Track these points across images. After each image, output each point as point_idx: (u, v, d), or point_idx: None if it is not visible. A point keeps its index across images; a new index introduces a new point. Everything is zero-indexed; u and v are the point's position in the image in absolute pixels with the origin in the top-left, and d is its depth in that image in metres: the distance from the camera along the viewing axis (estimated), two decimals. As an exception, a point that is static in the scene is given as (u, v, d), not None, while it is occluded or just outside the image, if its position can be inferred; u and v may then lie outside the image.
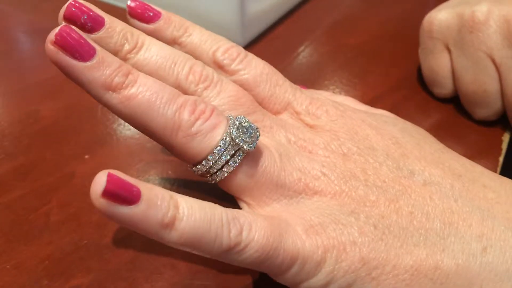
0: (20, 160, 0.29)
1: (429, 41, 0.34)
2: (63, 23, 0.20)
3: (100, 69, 0.19)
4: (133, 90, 0.19)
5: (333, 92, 0.34)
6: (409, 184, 0.21)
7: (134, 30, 0.22)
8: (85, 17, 0.21)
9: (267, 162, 0.20)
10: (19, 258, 0.24)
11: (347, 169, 0.21)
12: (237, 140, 0.19)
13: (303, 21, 0.44)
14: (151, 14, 0.24)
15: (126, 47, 0.21)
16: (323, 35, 0.43)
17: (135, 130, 0.22)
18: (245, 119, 0.20)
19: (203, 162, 0.20)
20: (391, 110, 0.35)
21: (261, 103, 0.24)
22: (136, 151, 0.30)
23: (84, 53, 0.19)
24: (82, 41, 0.19)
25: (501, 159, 0.31)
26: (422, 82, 0.36)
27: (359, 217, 0.20)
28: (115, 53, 0.21)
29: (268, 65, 0.24)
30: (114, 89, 0.19)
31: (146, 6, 0.24)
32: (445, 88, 0.34)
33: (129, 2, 0.24)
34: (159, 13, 0.24)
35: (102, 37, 0.21)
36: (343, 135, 0.22)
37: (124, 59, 0.21)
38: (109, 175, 0.16)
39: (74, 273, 0.23)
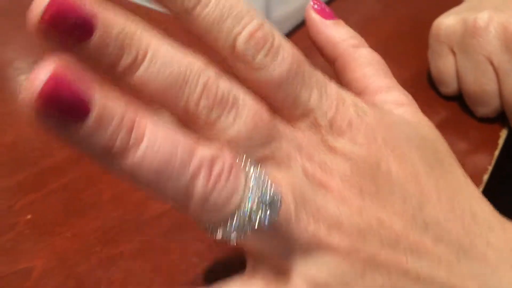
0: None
1: (436, 44, 0.37)
2: (49, 59, 0.15)
3: (98, 130, 0.15)
4: (139, 155, 0.16)
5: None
6: (421, 242, 0.21)
7: (135, 29, 0.17)
8: (72, 19, 0.15)
9: (282, 224, 0.19)
10: (76, 229, 0.29)
11: (363, 219, 0.20)
12: (254, 219, 0.18)
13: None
14: None
15: (125, 60, 0.17)
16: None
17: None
18: (268, 190, 0.18)
19: (214, 230, 0.18)
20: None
21: (280, 108, 0.21)
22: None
23: (78, 112, 0.15)
24: (78, 95, 0.15)
25: (496, 152, 0.34)
26: (430, 81, 0.40)
27: (366, 277, 0.20)
28: (112, 66, 0.17)
29: (297, 54, 0.20)
30: (116, 155, 0.16)
31: None
32: (450, 87, 0.37)
33: None
34: None
35: (94, 49, 0.16)
36: (364, 168, 0.21)
37: (120, 77, 0.17)
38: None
39: (119, 242, 0.28)
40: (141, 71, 0.17)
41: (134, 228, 0.29)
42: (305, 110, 0.21)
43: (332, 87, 0.22)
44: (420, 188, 0.21)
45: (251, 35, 0.19)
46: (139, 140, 0.16)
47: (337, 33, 0.25)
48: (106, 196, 0.31)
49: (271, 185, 0.18)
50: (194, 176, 0.17)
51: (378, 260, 0.20)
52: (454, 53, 0.36)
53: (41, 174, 0.32)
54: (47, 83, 0.14)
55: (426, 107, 0.39)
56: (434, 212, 0.21)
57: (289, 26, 0.46)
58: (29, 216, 0.30)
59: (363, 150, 0.21)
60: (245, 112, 0.19)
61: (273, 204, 0.18)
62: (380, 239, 0.20)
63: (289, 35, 0.46)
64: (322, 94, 0.21)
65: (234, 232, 0.18)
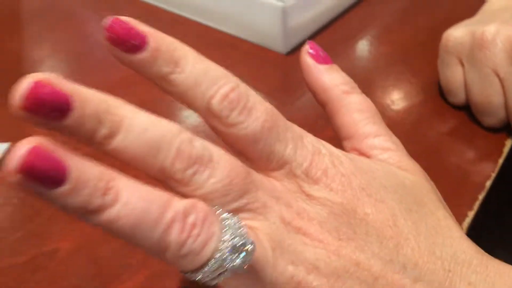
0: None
1: (445, 55, 0.39)
2: (31, 139, 0.16)
3: (75, 193, 0.16)
4: (114, 213, 0.17)
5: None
6: (400, 282, 0.21)
7: (111, 104, 0.18)
8: (49, 103, 0.17)
9: (259, 267, 0.19)
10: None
11: (341, 263, 0.21)
12: (227, 264, 0.18)
13: (341, 32, 0.50)
14: (135, 43, 0.20)
15: (101, 132, 0.18)
16: (359, 44, 0.49)
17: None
18: (239, 237, 0.19)
19: (192, 275, 0.19)
20: (410, 113, 0.40)
21: (256, 161, 0.22)
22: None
23: (55, 179, 0.16)
24: (54, 164, 0.16)
25: (500, 160, 0.36)
26: (441, 90, 0.41)
27: None
28: (89, 138, 0.18)
29: (271, 113, 0.22)
30: (92, 212, 0.17)
31: (129, 29, 0.20)
32: (458, 97, 0.39)
33: (106, 21, 0.19)
34: (144, 38, 0.20)
35: (72, 125, 0.17)
36: (340, 214, 0.21)
37: (99, 146, 0.18)
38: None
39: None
40: (117, 140, 0.18)
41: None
42: (280, 162, 0.22)
43: (308, 139, 0.22)
44: (398, 231, 0.22)
45: (225, 97, 0.21)
46: (114, 201, 0.17)
47: (328, 79, 0.25)
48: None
49: (245, 232, 0.19)
50: (168, 228, 0.18)
51: None
52: (462, 64, 0.38)
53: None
54: (24, 160, 0.16)
55: (435, 115, 0.41)
56: (412, 254, 0.22)
57: (307, 31, 0.48)
58: (56, 203, 0.32)
59: (338, 196, 0.22)
60: (220, 169, 0.20)
61: (247, 249, 0.19)
62: (358, 281, 0.21)
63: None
64: (298, 147, 0.22)
65: (210, 277, 0.19)
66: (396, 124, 0.39)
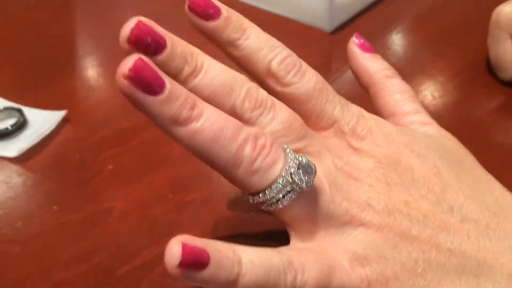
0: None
1: (496, 31, 0.38)
2: (133, 54, 0.19)
3: (169, 103, 0.20)
4: (199, 125, 0.20)
5: (405, 74, 0.40)
6: (448, 220, 0.22)
7: (193, 49, 0.22)
8: (149, 40, 0.21)
9: (319, 195, 0.21)
10: (152, 178, 0.33)
11: (391, 201, 0.22)
12: (296, 180, 0.20)
13: (387, 12, 0.50)
14: (212, 12, 0.23)
15: (186, 70, 0.21)
16: (405, 25, 0.48)
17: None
18: (304, 158, 0.21)
19: (260, 195, 0.21)
20: (457, 90, 0.40)
21: (308, 118, 0.24)
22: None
23: (155, 87, 0.19)
24: (155, 76, 0.19)
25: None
26: (489, 67, 0.41)
27: (401, 252, 0.21)
28: (175, 76, 0.21)
29: (320, 78, 0.24)
30: (180, 123, 0.20)
31: (208, 1, 0.23)
32: (508, 72, 0.38)
33: None
34: (219, 10, 0.23)
35: (164, 61, 0.21)
36: (387, 163, 0.23)
37: (183, 83, 0.21)
38: (183, 246, 0.18)
39: (191, 190, 0.32)
40: (198, 79, 0.22)
41: (203, 179, 0.32)
42: (329, 121, 0.24)
43: (353, 106, 0.25)
44: (441, 178, 0.23)
45: (283, 60, 0.24)
46: (199, 115, 0.20)
47: (373, 65, 0.28)
48: (178, 153, 0.35)
49: (306, 158, 0.21)
50: (242, 144, 0.20)
51: (410, 235, 0.21)
52: (513, 39, 0.37)
53: (122, 132, 0.36)
54: (133, 66, 0.19)
55: (483, 92, 0.41)
56: (457, 197, 0.23)
57: (352, 11, 0.48)
58: (110, 167, 0.34)
59: (383, 149, 0.24)
60: (281, 113, 0.22)
61: (309, 169, 0.21)
62: (409, 218, 0.22)
63: (352, 20, 0.48)
64: (344, 109, 0.25)
65: (276, 197, 0.21)
66: (443, 104, 0.39)
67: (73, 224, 0.30)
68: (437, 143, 0.25)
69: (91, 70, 0.43)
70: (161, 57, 0.21)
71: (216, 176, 0.32)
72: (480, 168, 0.25)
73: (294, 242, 0.23)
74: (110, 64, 0.43)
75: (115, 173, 0.33)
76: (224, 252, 0.19)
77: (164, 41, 0.21)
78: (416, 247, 0.21)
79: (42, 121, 0.37)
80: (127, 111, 0.38)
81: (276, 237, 0.29)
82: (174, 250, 0.18)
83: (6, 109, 0.37)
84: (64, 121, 0.37)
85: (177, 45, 0.21)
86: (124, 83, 0.19)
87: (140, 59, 0.19)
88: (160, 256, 0.28)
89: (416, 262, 0.21)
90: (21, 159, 0.34)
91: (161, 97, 0.19)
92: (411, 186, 0.23)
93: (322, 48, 0.46)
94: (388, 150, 0.24)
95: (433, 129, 0.27)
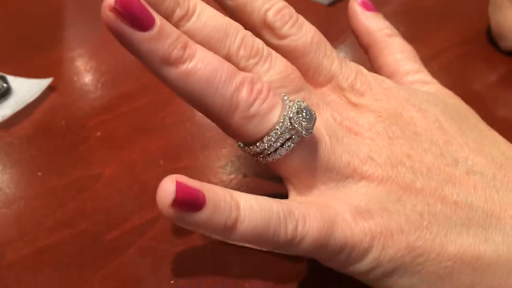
0: (144, 79, 0.36)
1: (498, -2, 0.37)
2: None
3: (159, 40, 0.18)
4: (191, 65, 0.19)
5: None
6: (453, 173, 0.21)
7: None
8: None
9: (319, 146, 0.20)
10: (143, 145, 0.31)
11: (393, 154, 0.21)
12: (296, 125, 0.19)
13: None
14: None
15: (178, 13, 0.20)
16: (400, -2, 0.47)
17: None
18: (303, 103, 0.20)
19: (258, 144, 0.20)
20: (456, 60, 0.39)
21: (306, 73, 0.23)
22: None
23: (144, 22, 0.18)
24: (144, 10, 0.18)
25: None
26: (489, 37, 0.40)
27: (406, 205, 0.20)
28: (169, 16, 0.20)
29: (318, 32, 0.23)
30: (172, 63, 0.18)
31: None
32: (510, 41, 0.37)
33: None
34: None
35: (153, 1, 0.19)
36: (387, 117, 0.22)
37: (175, 26, 0.20)
38: (178, 184, 0.17)
39: (183, 157, 0.30)
40: (191, 22, 0.20)
41: (196, 147, 0.31)
42: (327, 76, 0.23)
43: (351, 62, 0.24)
44: (445, 131, 0.22)
45: (279, 11, 0.22)
46: (192, 55, 0.19)
47: (374, 23, 0.27)
48: (170, 120, 0.33)
49: (305, 103, 0.20)
50: (238, 88, 0.19)
51: (413, 188, 0.20)
52: (516, 6, 0.36)
53: (112, 98, 0.35)
54: None
55: (484, 63, 0.40)
56: (462, 149, 0.22)
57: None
58: (98, 133, 0.32)
59: (384, 103, 0.23)
60: (278, 63, 0.21)
61: (309, 114, 0.19)
62: (412, 171, 0.21)
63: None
64: (343, 64, 0.23)
65: (275, 145, 0.19)
66: (441, 75, 0.38)
67: (58, 190, 0.28)
68: (438, 99, 0.24)
69: (78, 39, 0.41)
70: None
71: (209, 143, 0.31)
72: (484, 124, 0.25)
73: (293, 197, 0.21)
74: (97, 31, 0.42)
75: (103, 139, 0.32)
76: (222, 195, 0.18)
77: None
78: (421, 200, 0.20)
79: (27, 89, 0.35)
80: (117, 79, 0.37)
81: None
82: (167, 187, 0.17)
83: (-11, 76, 0.35)
84: (50, 89, 0.35)
85: None
86: (110, 15, 0.17)
87: None
88: (150, 221, 0.27)
89: (421, 215, 0.20)
90: (5, 126, 0.32)
91: (151, 33, 0.18)
92: (413, 139, 0.22)
93: (319, 20, 0.45)
94: (388, 104, 0.23)
95: (435, 87, 0.26)
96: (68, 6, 0.47)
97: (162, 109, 0.34)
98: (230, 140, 0.31)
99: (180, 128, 0.32)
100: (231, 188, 0.29)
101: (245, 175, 0.29)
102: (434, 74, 0.28)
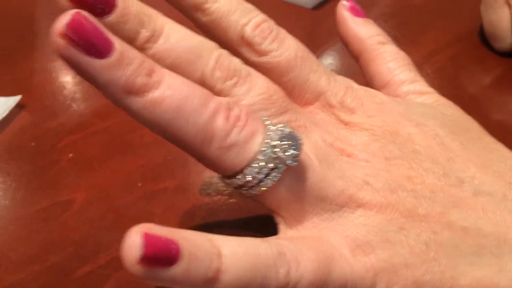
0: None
1: (490, -4, 0.35)
2: (71, 8, 0.16)
3: (120, 68, 0.16)
4: (158, 94, 0.16)
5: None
6: (459, 194, 0.19)
7: (151, 11, 0.18)
8: None
9: (307, 173, 0.18)
10: (118, 166, 0.29)
11: (392, 177, 0.19)
12: (280, 154, 0.17)
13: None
14: None
15: (143, 34, 0.18)
16: (387, -1, 0.45)
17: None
18: (287, 127, 0.18)
19: (239, 176, 0.18)
20: (449, 62, 0.37)
21: (291, 91, 0.21)
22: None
23: (100, 48, 0.16)
24: (98, 34, 0.16)
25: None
26: (482, 38, 0.38)
27: (409, 234, 0.18)
28: (130, 42, 0.17)
29: (302, 46, 0.21)
30: (136, 92, 0.16)
31: None
32: (504, 42, 0.36)
33: None
34: None
35: (115, 22, 0.17)
36: (382, 135, 0.20)
37: (141, 50, 0.18)
38: (145, 236, 0.14)
39: (163, 179, 0.28)
40: (158, 44, 0.18)
41: (176, 166, 0.29)
42: (314, 93, 0.21)
43: (340, 77, 0.22)
44: (446, 148, 0.20)
45: (258, 25, 0.20)
46: (158, 82, 0.17)
47: (365, 30, 0.25)
48: (149, 138, 0.31)
49: (289, 128, 0.18)
50: (213, 115, 0.17)
51: (416, 214, 0.18)
52: (509, 5, 0.34)
53: (83, 117, 0.32)
54: (71, 21, 0.15)
55: (478, 64, 0.38)
56: (467, 168, 0.20)
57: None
58: (71, 155, 0.30)
59: (377, 120, 0.21)
60: (259, 83, 0.19)
61: (295, 140, 0.17)
62: (414, 195, 0.19)
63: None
64: (331, 79, 0.21)
65: (258, 177, 0.17)
66: (433, 78, 0.36)
67: (24, 220, 0.26)
68: (435, 112, 0.22)
69: (47, 53, 0.39)
70: (111, 18, 0.17)
71: (190, 162, 0.29)
72: (488, 136, 0.22)
73: (284, 231, 0.19)
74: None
75: (74, 161, 0.29)
76: (199, 242, 0.15)
77: None
78: (425, 227, 0.18)
79: (-8, 108, 0.32)
80: (89, 95, 0.34)
81: (262, 226, 0.25)
82: (132, 241, 0.14)
83: (-50, 95, 0.33)
84: (19, 107, 0.33)
85: (130, 4, 0.18)
86: (60, 42, 0.15)
87: (79, 13, 0.15)
88: (127, 252, 0.25)
89: (427, 245, 0.18)
90: (-33, 150, 0.30)
91: (109, 60, 0.16)
92: (412, 158, 0.20)
93: (303, 24, 0.43)
94: (382, 121, 0.21)
95: (432, 98, 0.24)
96: (36, 15, 0.44)
97: (136, 126, 0.31)
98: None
99: (159, 146, 0.30)
100: (216, 211, 0.28)
101: (229, 196, 0.27)
102: (427, 77, 0.27)
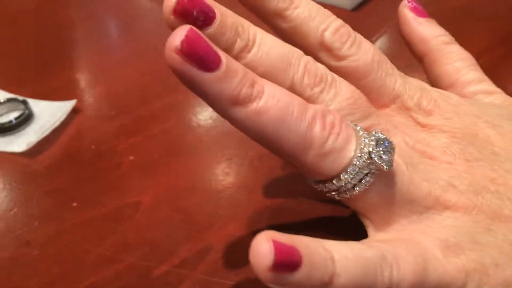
0: (170, 98, 0.35)
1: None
2: (175, 21, 0.18)
3: (226, 80, 0.17)
4: (262, 104, 0.17)
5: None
6: None
7: (244, 21, 0.19)
8: (197, 11, 0.18)
9: (397, 177, 0.19)
10: (181, 167, 0.29)
11: (475, 179, 0.20)
12: (376, 159, 0.18)
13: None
14: None
15: (239, 44, 0.19)
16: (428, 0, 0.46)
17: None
18: (381, 133, 0.18)
19: (334, 181, 0.18)
20: (493, 64, 0.37)
21: (368, 95, 0.21)
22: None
23: (211, 62, 0.17)
24: (209, 49, 0.17)
25: None
26: (527, 37, 0.38)
27: (497, 235, 0.19)
28: (226, 51, 0.18)
29: (378, 50, 0.22)
30: (241, 102, 0.17)
31: None
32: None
33: None
34: None
35: (214, 33, 0.18)
36: (462, 137, 0.21)
37: (236, 59, 0.18)
38: (275, 244, 0.15)
39: (227, 179, 0.29)
40: (252, 53, 0.19)
41: (235, 166, 0.29)
42: (391, 96, 0.22)
43: (412, 79, 0.23)
44: None
45: (337, 30, 0.21)
46: (261, 93, 0.17)
47: (429, 31, 0.25)
48: (207, 139, 0.31)
49: (382, 133, 0.18)
50: (311, 123, 0.18)
51: (502, 215, 0.19)
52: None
53: (140, 119, 0.33)
54: (186, 38, 0.16)
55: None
56: None
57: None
58: (132, 157, 0.30)
59: (455, 122, 0.21)
60: (344, 88, 0.20)
61: (389, 146, 0.18)
62: (498, 196, 0.19)
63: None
64: (406, 82, 0.22)
65: (353, 181, 0.18)
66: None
67: (96, 222, 0.26)
68: (508, 112, 0.23)
69: (96, 56, 0.40)
70: (211, 30, 0.18)
71: (250, 161, 0.30)
72: None
73: (372, 233, 0.20)
74: (116, 47, 0.40)
75: (137, 164, 0.30)
76: (314, 248, 0.16)
77: (213, 11, 0.18)
78: (511, 227, 0.19)
79: (50, 113, 0.33)
80: (143, 97, 0.35)
81: (328, 226, 0.26)
82: (264, 249, 0.15)
83: (9, 100, 0.34)
84: (74, 111, 0.34)
85: (226, 16, 0.19)
86: (176, 58, 0.16)
87: (193, 30, 0.16)
88: (200, 253, 0.25)
89: None
90: (30, 154, 0.31)
91: (218, 73, 0.17)
92: (493, 160, 0.20)
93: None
94: (460, 123, 0.21)
95: (500, 98, 0.24)
96: (82, 22, 0.45)
97: (196, 128, 0.32)
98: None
99: (215, 146, 0.31)
100: (281, 211, 0.28)
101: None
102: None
